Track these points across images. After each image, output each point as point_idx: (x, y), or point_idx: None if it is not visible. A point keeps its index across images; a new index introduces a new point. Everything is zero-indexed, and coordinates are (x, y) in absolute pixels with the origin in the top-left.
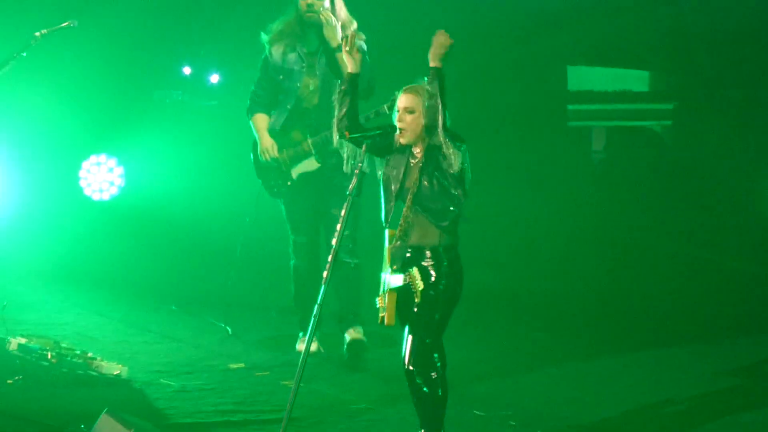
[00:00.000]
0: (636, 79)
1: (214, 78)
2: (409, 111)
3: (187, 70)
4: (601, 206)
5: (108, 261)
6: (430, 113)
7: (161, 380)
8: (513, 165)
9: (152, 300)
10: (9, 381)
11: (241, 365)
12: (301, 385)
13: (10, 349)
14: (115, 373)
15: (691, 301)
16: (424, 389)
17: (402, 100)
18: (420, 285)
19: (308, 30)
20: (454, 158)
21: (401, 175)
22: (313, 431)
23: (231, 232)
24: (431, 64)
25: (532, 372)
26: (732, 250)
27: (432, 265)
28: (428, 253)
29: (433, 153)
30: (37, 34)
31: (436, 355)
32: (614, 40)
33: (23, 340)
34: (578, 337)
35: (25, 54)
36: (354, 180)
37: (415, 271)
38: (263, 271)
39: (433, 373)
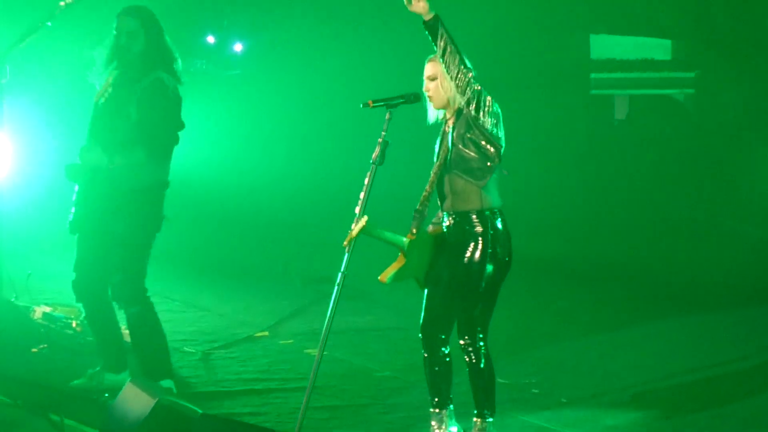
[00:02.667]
0: (658, 48)
1: (238, 47)
2: (431, 78)
3: (210, 39)
4: (623, 174)
5: None
6: (449, 68)
7: (185, 348)
8: (536, 133)
9: (176, 269)
10: (34, 349)
11: (265, 333)
12: (325, 353)
13: (35, 317)
14: None
15: (713, 268)
16: (474, 361)
17: (426, 68)
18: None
19: None
20: (482, 109)
21: (439, 146)
22: (337, 400)
23: (252, 200)
24: (425, 19)
25: (555, 341)
26: (754, 217)
27: (480, 231)
28: (474, 218)
29: (461, 114)
30: (62, 3)
31: (479, 327)
32: (636, 9)
33: (48, 309)
34: (602, 306)
35: (50, 23)
36: (377, 149)
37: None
38: (287, 241)
39: (480, 345)
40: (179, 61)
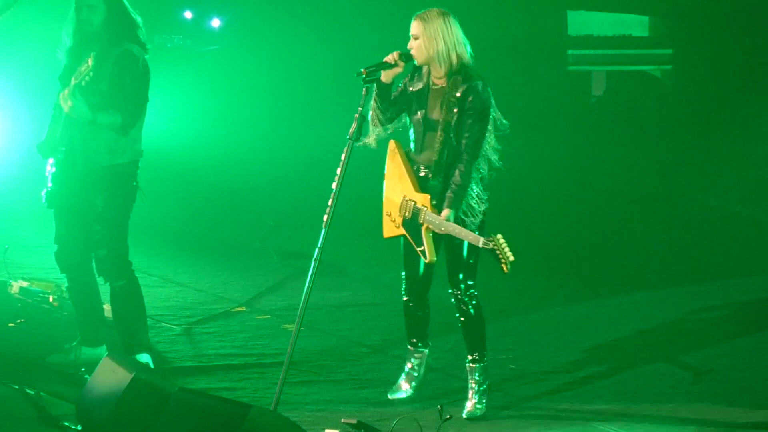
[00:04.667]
0: (636, 24)
1: (215, 22)
2: (414, 37)
3: (188, 15)
4: (601, 150)
5: None
6: (432, 42)
7: (162, 323)
8: (513, 109)
9: (153, 243)
10: (11, 324)
11: (242, 309)
12: (302, 328)
13: (12, 292)
14: None
15: (689, 242)
16: (471, 312)
17: (411, 26)
18: (510, 256)
19: None
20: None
21: (425, 105)
22: (313, 375)
23: (229, 176)
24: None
25: (533, 315)
26: (729, 193)
27: (476, 199)
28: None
29: (454, 84)
30: None
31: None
32: None
33: (25, 284)
34: (578, 281)
35: None
36: (354, 124)
37: (499, 238)
38: (264, 216)
39: (475, 301)
40: (143, 29)
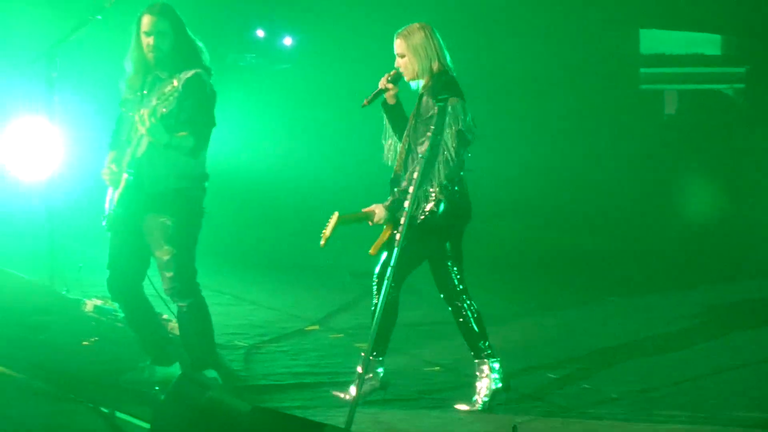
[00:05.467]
0: (708, 43)
1: (287, 41)
2: (400, 56)
3: (260, 33)
4: (673, 168)
5: None
6: (417, 56)
7: (235, 342)
8: (586, 127)
9: (227, 263)
10: (85, 342)
11: (316, 327)
12: None
13: (86, 310)
14: None
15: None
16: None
17: (394, 45)
18: (327, 232)
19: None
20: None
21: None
22: (386, 394)
23: (300, 194)
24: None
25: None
26: None
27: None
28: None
29: (424, 91)
30: None
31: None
32: (686, 4)
33: (99, 302)
34: (646, 297)
35: (100, 17)
36: (426, 143)
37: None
38: (337, 235)
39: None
40: (206, 53)
